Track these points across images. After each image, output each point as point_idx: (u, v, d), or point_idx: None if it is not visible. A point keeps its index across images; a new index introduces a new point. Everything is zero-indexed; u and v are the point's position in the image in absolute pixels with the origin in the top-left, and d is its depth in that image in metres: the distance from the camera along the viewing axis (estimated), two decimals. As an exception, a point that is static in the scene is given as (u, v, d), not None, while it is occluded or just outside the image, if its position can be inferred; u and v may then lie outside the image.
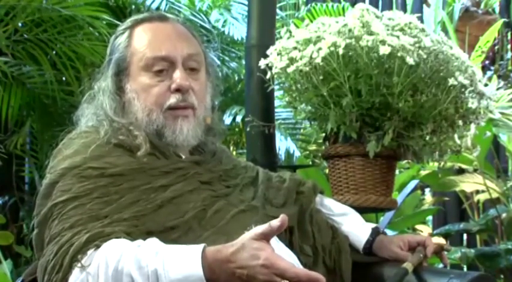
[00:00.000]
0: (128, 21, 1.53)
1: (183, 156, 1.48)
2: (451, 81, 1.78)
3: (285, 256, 1.34)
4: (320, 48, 1.79)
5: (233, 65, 4.41)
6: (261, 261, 1.13)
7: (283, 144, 4.03)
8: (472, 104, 1.84)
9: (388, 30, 1.82)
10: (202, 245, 1.18)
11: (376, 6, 4.45)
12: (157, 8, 3.97)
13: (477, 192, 3.81)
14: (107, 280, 1.19)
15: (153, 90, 1.44)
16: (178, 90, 1.44)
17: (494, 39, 4.65)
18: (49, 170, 1.40)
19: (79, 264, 1.21)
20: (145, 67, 1.45)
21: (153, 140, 1.44)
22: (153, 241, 1.22)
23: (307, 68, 1.82)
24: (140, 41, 1.47)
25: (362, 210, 1.85)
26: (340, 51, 1.77)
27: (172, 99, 1.44)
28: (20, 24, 3.27)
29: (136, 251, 1.20)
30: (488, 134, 3.22)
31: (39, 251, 1.34)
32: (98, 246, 1.22)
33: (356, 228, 1.66)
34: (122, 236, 1.25)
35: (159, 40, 1.47)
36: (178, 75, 1.44)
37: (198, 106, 1.47)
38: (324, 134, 2.05)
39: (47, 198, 1.35)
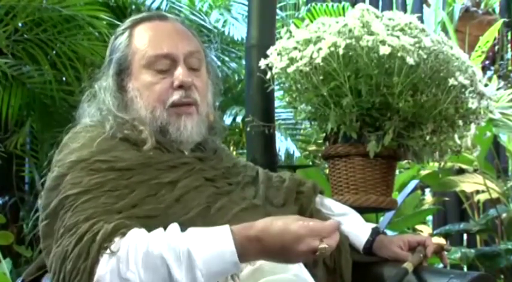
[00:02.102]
0: (128, 21, 1.54)
1: (186, 152, 1.49)
2: (451, 81, 1.78)
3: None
4: (320, 48, 1.79)
5: (233, 65, 4.42)
6: (292, 234, 1.16)
7: (283, 144, 4.03)
8: (472, 104, 1.84)
9: (388, 30, 1.82)
10: (227, 225, 1.20)
11: (376, 6, 4.44)
12: (158, 8, 3.97)
13: (477, 192, 3.81)
14: (137, 264, 1.19)
15: (155, 88, 1.45)
16: (181, 86, 1.45)
17: (494, 39, 4.65)
18: (56, 164, 1.40)
19: (108, 251, 1.21)
20: (147, 65, 1.45)
21: (157, 136, 1.44)
22: (175, 226, 1.24)
23: (307, 68, 1.82)
24: (141, 39, 1.48)
25: (362, 210, 1.85)
26: (340, 51, 1.77)
27: (176, 96, 1.45)
28: (20, 24, 3.27)
29: (163, 234, 1.21)
30: (488, 134, 3.22)
31: (46, 240, 1.33)
32: (123, 234, 1.23)
33: (356, 228, 1.66)
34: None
35: (160, 38, 1.48)
36: (180, 72, 1.45)
37: (200, 103, 1.48)
38: (324, 134, 2.05)
39: (55, 190, 1.35)
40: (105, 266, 1.20)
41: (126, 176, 1.35)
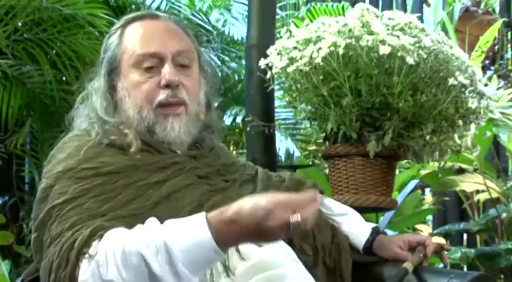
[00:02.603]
0: (120, 21, 1.54)
1: (179, 152, 1.48)
2: (451, 81, 1.78)
3: (283, 252, 1.36)
4: (320, 48, 1.79)
5: (233, 65, 4.42)
6: (261, 211, 1.12)
7: (283, 144, 4.03)
8: (472, 104, 1.84)
9: (388, 30, 1.82)
10: (203, 213, 1.17)
11: (376, 6, 4.44)
12: (158, 8, 3.97)
13: (477, 192, 3.81)
14: (116, 264, 1.17)
15: (143, 87, 1.44)
16: (167, 86, 1.44)
17: (494, 39, 4.65)
18: (44, 175, 1.40)
19: (86, 256, 1.20)
20: (135, 64, 1.45)
21: (145, 138, 1.44)
22: (152, 220, 1.22)
23: (307, 68, 1.82)
24: (131, 38, 1.48)
25: (362, 210, 1.85)
26: (340, 51, 1.77)
27: (162, 95, 1.44)
28: (20, 24, 3.27)
29: (139, 231, 1.20)
30: (488, 134, 3.22)
31: (38, 254, 1.34)
32: (101, 237, 1.22)
33: (356, 228, 1.66)
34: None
35: (149, 37, 1.47)
36: (167, 71, 1.44)
37: (189, 102, 1.47)
38: (324, 134, 2.05)
39: (44, 202, 1.35)
40: (85, 271, 1.20)
41: (112, 180, 1.34)
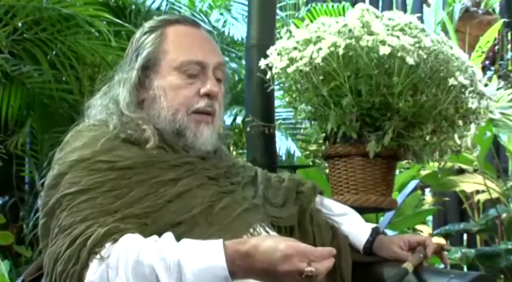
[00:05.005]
0: (159, 20, 1.55)
1: (190, 152, 1.49)
2: (451, 81, 1.78)
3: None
4: (320, 48, 1.79)
5: (233, 65, 4.42)
6: (279, 253, 1.15)
7: (283, 144, 4.03)
8: (472, 104, 1.84)
9: (388, 30, 1.82)
10: (220, 240, 1.19)
11: (376, 6, 4.44)
12: (158, 8, 3.97)
13: (477, 192, 3.81)
14: (126, 272, 1.19)
15: (182, 91, 1.46)
16: (207, 95, 1.46)
17: (494, 39, 4.65)
18: (56, 162, 1.40)
19: (98, 256, 1.21)
20: (178, 68, 1.46)
21: (163, 134, 1.45)
22: (169, 236, 1.24)
23: (307, 68, 1.83)
24: (175, 41, 1.49)
25: (362, 210, 1.85)
26: (340, 51, 1.77)
27: (201, 103, 1.46)
28: (19, 24, 3.27)
29: (155, 244, 1.21)
30: (488, 134, 3.22)
31: (44, 240, 1.34)
32: (115, 240, 1.23)
33: (356, 228, 1.66)
34: (137, 232, 1.26)
35: (194, 45, 1.49)
36: (210, 81, 1.47)
37: (217, 114, 1.50)
38: (324, 134, 2.05)
39: (55, 188, 1.35)
40: (94, 272, 1.21)
41: (126, 176, 1.35)
